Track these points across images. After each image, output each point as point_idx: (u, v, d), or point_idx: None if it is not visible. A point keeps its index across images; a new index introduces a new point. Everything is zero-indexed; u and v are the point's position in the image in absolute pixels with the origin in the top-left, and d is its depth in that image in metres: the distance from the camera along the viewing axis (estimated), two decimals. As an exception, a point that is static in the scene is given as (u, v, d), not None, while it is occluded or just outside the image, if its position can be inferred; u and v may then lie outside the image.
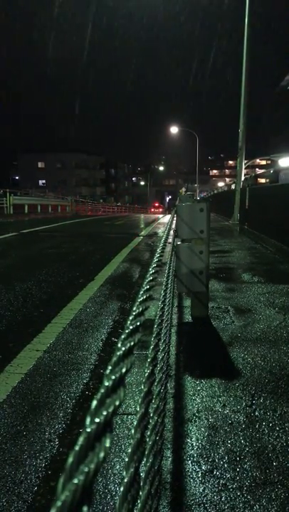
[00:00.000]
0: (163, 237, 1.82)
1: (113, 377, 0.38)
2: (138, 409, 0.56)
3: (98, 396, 0.35)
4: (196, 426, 1.76)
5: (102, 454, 0.29)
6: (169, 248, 2.85)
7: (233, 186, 15.60)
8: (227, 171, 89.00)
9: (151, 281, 0.83)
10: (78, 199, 35.64)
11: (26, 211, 21.73)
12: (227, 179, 68.45)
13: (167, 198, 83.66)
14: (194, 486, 1.40)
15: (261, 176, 12.22)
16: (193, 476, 1.45)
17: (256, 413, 1.86)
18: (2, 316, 3.35)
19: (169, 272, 1.90)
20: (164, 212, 40.90)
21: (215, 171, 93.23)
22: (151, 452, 0.68)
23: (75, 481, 0.26)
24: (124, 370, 0.40)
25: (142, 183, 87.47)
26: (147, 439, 0.69)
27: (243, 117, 11.90)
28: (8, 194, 20.48)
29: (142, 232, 10.94)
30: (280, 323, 3.09)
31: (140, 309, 0.61)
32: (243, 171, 12.31)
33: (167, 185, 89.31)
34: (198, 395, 2.02)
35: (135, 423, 0.51)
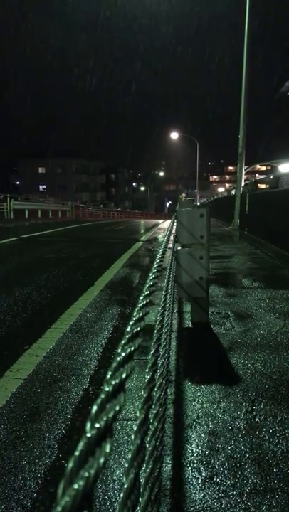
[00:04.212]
0: (163, 242, 1.83)
1: (113, 382, 0.38)
2: (138, 414, 0.56)
3: (98, 401, 0.35)
4: (196, 432, 1.75)
5: (102, 460, 0.29)
6: (169, 253, 2.86)
7: (233, 192, 15.63)
8: (227, 177, 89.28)
9: (151, 286, 0.83)
10: (78, 204, 35.69)
11: (27, 216, 21.76)
12: (227, 185, 68.63)
13: (167, 204, 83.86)
14: (194, 493, 1.40)
15: (261, 181, 12.24)
16: (193, 483, 1.45)
17: (256, 419, 1.85)
18: (2, 321, 3.35)
19: (169, 278, 1.90)
20: None
21: (215, 177, 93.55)
22: (151, 458, 0.68)
23: (75, 486, 0.26)
24: (124, 376, 0.40)
25: (142, 188, 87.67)
26: (147, 445, 0.69)
27: (243, 123, 11.96)
28: (8, 199, 20.53)
29: (142, 238, 10.94)
30: (281, 328, 3.08)
31: (140, 314, 0.61)
32: (243, 177, 12.34)
33: (167, 191, 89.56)
34: (198, 400, 2.02)
35: (135, 429, 0.51)
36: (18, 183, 67.35)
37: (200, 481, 1.45)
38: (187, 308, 3.48)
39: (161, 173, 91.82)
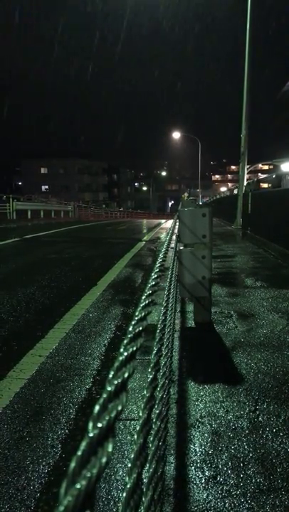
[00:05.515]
0: (165, 242, 1.83)
1: (115, 382, 0.38)
2: (141, 414, 0.56)
3: (100, 401, 0.35)
4: (199, 431, 1.75)
5: (104, 459, 0.29)
6: (171, 253, 2.86)
7: (235, 191, 15.60)
8: (229, 176, 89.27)
9: (153, 286, 0.83)
10: (81, 204, 35.69)
11: (29, 216, 21.79)
12: (229, 184, 68.52)
13: (170, 203, 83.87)
14: (197, 493, 1.39)
15: (263, 180, 12.21)
16: (196, 482, 1.44)
17: (260, 419, 1.85)
18: (5, 321, 3.35)
19: (171, 277, 1.90)
20: None
21: (217, 176, 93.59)
22: (154, 458, 0.68)
23: (78, 486, 0.26)
24: (126, 375, 0.40)
25: (145, 188, 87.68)
26: (150, 445, 0.69)
27: (245, 122, 11.93)
28: (11, 200, 20.57)
29: (145, 237, 10.94)
30: (283, 327, 3.07)
31: (143, 314, 0.61)
32: (246, 176, 12.32)
33: (170, 191, 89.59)
34: (201, 400, 2.02)
35: (138, 428, 0.51)
36: (20, 183, 67.54)
37: (203, 481, 1.45)
38: (190, 307, 3.48)
39: (164, 173, 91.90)
